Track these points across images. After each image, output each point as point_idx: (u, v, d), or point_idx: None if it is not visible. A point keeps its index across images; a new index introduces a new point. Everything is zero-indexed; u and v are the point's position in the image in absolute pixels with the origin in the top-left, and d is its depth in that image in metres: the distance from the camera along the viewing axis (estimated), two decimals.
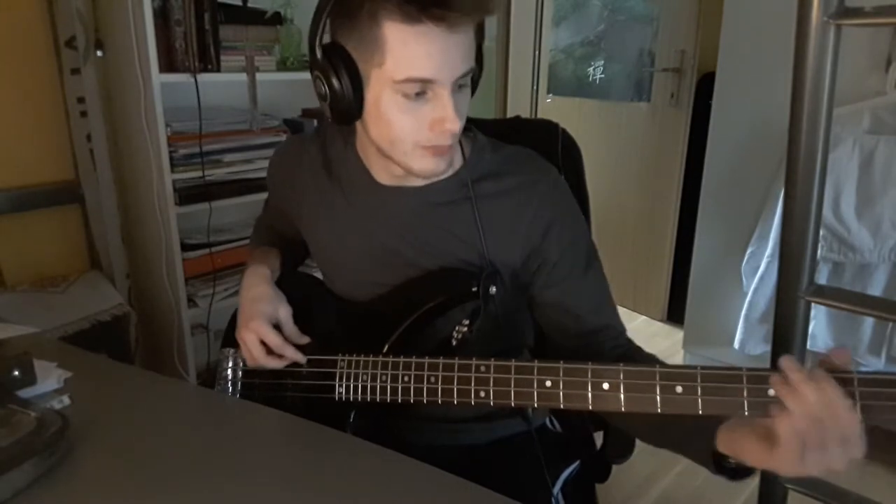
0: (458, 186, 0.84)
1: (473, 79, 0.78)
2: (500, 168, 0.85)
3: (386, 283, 0.89)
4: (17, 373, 0.79)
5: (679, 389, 0.63)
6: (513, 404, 0.71)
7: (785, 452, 0.57)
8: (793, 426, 0.56)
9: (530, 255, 0.84)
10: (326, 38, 0.75)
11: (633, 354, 0.83)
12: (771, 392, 0.60)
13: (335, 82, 0.73)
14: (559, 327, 0.86)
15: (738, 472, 0.67)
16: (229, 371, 0.94)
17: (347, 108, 0.75)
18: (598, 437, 1.04)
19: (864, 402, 0.57)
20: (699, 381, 0.63)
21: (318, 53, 0.74)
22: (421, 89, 0.71)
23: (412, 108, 0.73)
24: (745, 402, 0.61)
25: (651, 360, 0.80)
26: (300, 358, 0.85)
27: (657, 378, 0.64)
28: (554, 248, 0.83)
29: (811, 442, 0.56)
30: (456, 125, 0.73)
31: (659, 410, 0.64)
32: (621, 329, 0.87)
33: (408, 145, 0.76)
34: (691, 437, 0.68)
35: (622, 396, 0.66)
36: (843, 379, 0.57)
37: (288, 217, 1.00)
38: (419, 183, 0.84)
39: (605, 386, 0.66)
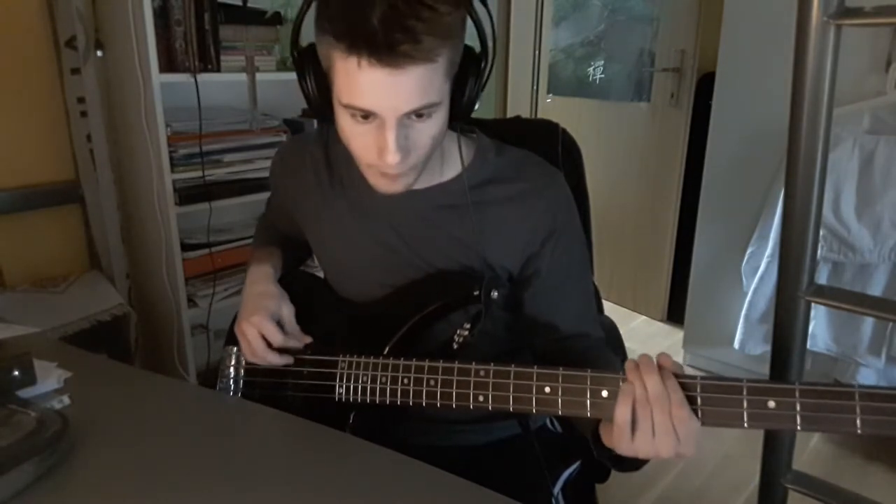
0: (460, 190, 0.84)
1: (455, 101, 0.75)
2: (504, 173, 0.85)
3: (388, 283, 0.89)
4: (17, 373, 0.79)
5: None
6: (511, 409, 0.71)
7: (617, 429, 0.65)
8: (625, 409, 0.64)
9: (527, 262, 0.84)
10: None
11: (595, 359, 0.84)
12: (771, 404, 0.61)
13: (306, 87, 0.75)
14: (533, 329, 0.87)
15: (618, 459, 0.71)
16: (231, 369, 0.94)
17: (321, 112, 0.76)
18: None
19: (704, 406, 0.64)
20: (699, 391, 0.64)
21: (295, 54, 0.75)
22: (367, 116, 0.70)
23: (361, 130, 0.71)
24: (745, 414, 0.62)
25: (612, 364, 0.82)
26: (300, 346, 0.86)
27: None
28: (548, 260, 0.84)
29: (641, 425, 0.64)
30: (393, 158, 0.70)
31: None
32: (598, 335, 0.89)
33: (363, 162, 0.76)
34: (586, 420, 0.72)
35: None
36: (687, 384, 0.64)
37: (290, 217, 1.00)
38: (420, 186, 0.84)
39: (604, 394, 0.67)
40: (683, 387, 0.64)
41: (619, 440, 0.65)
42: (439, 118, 0.73)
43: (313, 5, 0.71)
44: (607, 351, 0.88)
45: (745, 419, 0.62)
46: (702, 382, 0.64)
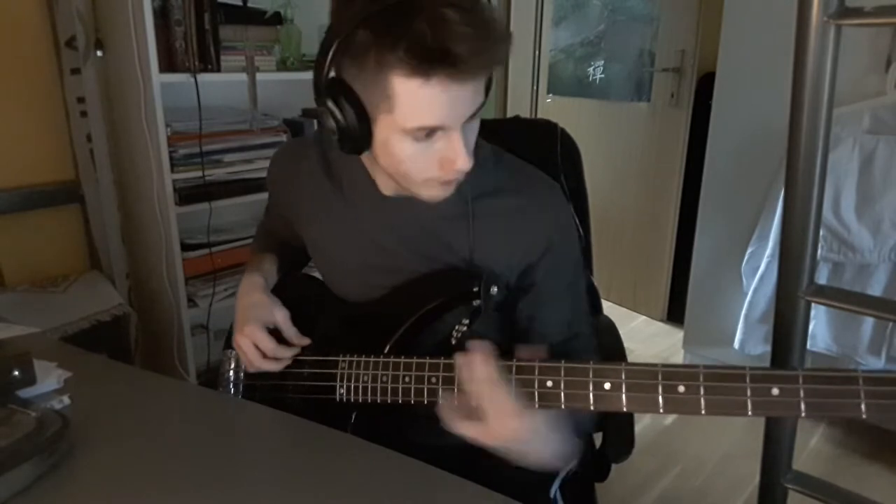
0: (459, 201, 0.83)
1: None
2: (503, 185, 0.84)
3: (385, 285, 0.89)
4: (17, 373, 0.79)
5: (681, 389, 0.63)
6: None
7: (446, 414, 0.70)
8: (455, 395, 0.70)
9: (524, 272, 0.84)
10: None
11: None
12: (774, 391, 0.60)
13: (342, 120, 0.72)
14: (522, 337, 0.87)
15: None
16: (231, 372, 0.94)
17: (356, 143, 0.74)
18: (598, 437, 1.04)
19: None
20: (702, 380, 0.63)
21: (324, 91, 0.72)
22: (431, 133, 0.70)
23: (422, 148, 0.71)
24: (749, 402, 0.61)
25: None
26: (298, 349, 0.86)
27: (659, 378, 0.64)
28: (542, 272, 0.84)
29: (465, 411, 0.69)
30: (467, 164, 0.72)
31: (661, 411, 0.64)
32: (587, 333, 0.90)
33: (418, 179, 0.75)
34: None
35: (624, 396, 0.65)
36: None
37: (287, 221, 1.00)
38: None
39: (607, 386, 0.66)
40: (522, 370, 0.70)
41: (452, 426, 0.70)
42: (479, 118, 0.75)
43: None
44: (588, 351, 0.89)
45: (749, 407, 0.61)
46: (704, 371, 0.63)
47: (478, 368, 0.68)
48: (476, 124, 0.75)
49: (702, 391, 0.62)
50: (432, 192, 0.77)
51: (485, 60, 0.66)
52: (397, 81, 0.66)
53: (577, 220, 0.99)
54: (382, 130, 0.72)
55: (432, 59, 0.64)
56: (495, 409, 0.67)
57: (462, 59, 0.63)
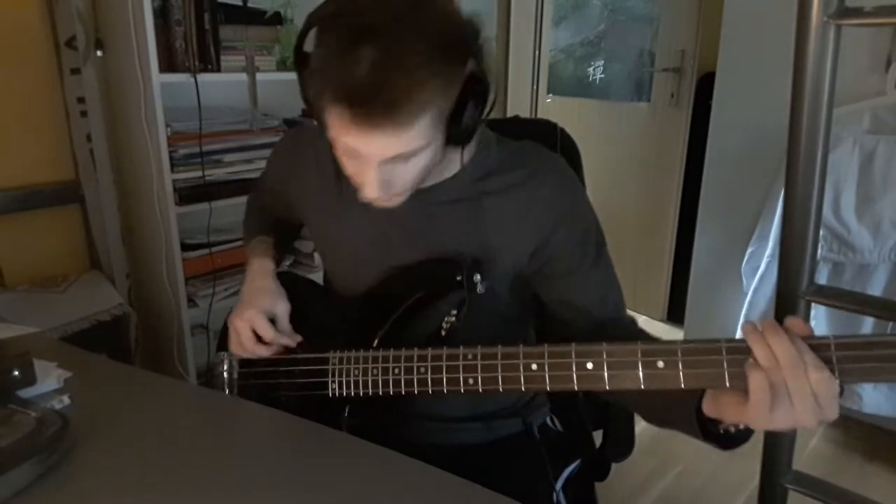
0: (463, 185, 0.84)
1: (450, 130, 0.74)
2: (506, 162, 0.85)
3: (379, 276, 0.89)
4: (17, 373, 0.79)
5: (661, 364, 0.63)
6: (500, 390, 0.71)
7: (753, 403, 0.58)
8: (761, 377, 0.58)
9: (538, 248, 0.83)
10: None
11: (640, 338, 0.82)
12: (752, 360, 0.59)
13: (304, 95, 0.75)
14: (564, 320, 0.85)
15: (726, 437, 0.67)
16: (225, 374, 0.94)
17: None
18: (598, 437, 1.04)
19: (841, 365, 0.58)
20: (680, 355, 0.62)
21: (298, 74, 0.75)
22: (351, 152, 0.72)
23: (349, 161, 0.75)
24: (726, 374, 0.61)
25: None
26: (291, 343, 0.87)
27: (639, 355, 0.64)
28: (563, 242, 0.83)
29: (779, 394, 0.57)
30: (371, 193, 0.73)
31: (642, 387, 0.64)
32: (629, 319, 0.87)
33: (356, 183, 0.77)
34: (679, 405, 0.69)
35: (606, 375, 0.66)
36: (820, 345, 0.59)
37: (286, 202, 1.01)
38: (423, 185, 0.83)
39: (590, 365, 0.67)
40: (815, 349, 0.58)
41: (756, 414, 0.59)
42: (426, 156, 0.73)
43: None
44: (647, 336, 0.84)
45: (727, 378, 0.60)
46: (682, 347, 0.62)
47: (781, 349, 0.58)
48: (410, 167, 0.73)
49: (680, 366, 0.62)
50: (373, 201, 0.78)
51: (385, 116, 0.65)
52: (326, 101, 0.68)
53: None
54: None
55: (334, 98, 0.66)
56: (825, 389, 0.57)
57: (362, 104, 0.65)
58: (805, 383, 0.57)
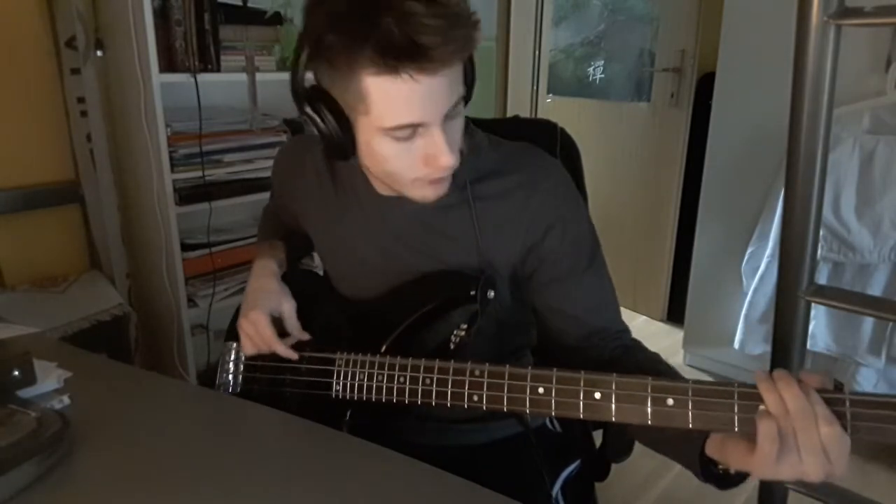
0: (456, 189, 0.83)
1: (466, 85, 0.76)
2: (500, 166, 0.84)
3: (387, 284, 0.89)
4: (17, 373, 0.79)
5: (670, 402, 0.63)
6: (505, 409, 0.71)
7: (760, 452, 0.57)
8: (770, 425, 0.57)
9: (529, 253, 0.83)
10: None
11: (632, 353, 0.82)
12: (762, 408, 0.59)
13: (323, 127, 0.73)
14: (557, 329, 0.85)
15: (725, 479, 0.66)
16: (231, 364, 0.94)
17: (341, 149, 0.75)
18: (598, 437, 1.04)
19: (855, 421, 0.57)
20: (690, 394, 0.62)
21: (302, 99, 0.74)
22: (411, 132, 0.70)
23: (405, 148, 0.71)
24: (736, 418, 0.60)
25: (653, 360, 0.80)
26: (291, 355, 0.86)
27: (649, 390, 0.64)
28: (554, 248, 0.82)
29: (787, 445, 0.56)
30: (450, 159, 0.71)
31: (649, 422, 0.64)
32: (623, 328, 0.86)
33: (406, 180, 0.75)
34: (682, 439, 0.68)
35: (613, 407, 0.65)
36: (834, 399, 0.58)
37: (291, 213, 1.01)
38: None
39: (597, 395, 0.66)
40: (828, 402, 0.57)
41: (762, 464, 0.57)
42: (462, 114, 0.74)
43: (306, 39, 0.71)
44: (642, 348, 0.85)
45: (736, 423, 0.60)
46: (693, 386, 0.62)
47: (792, 399, 0.57)
48: (459, 121, 0.74)
49: (690, 405, 0.62)
50: (423, 193, 0.77)
51: (453, 48, 0.65)
52: (369, 81, 0.66)
53: None
54: (363, 133, 0.72)
55: (400, 54, 0.63)
56: (836, 444, 0.56)
57: (430, 50, 0.63)
58: (815, 435, 0.56)
